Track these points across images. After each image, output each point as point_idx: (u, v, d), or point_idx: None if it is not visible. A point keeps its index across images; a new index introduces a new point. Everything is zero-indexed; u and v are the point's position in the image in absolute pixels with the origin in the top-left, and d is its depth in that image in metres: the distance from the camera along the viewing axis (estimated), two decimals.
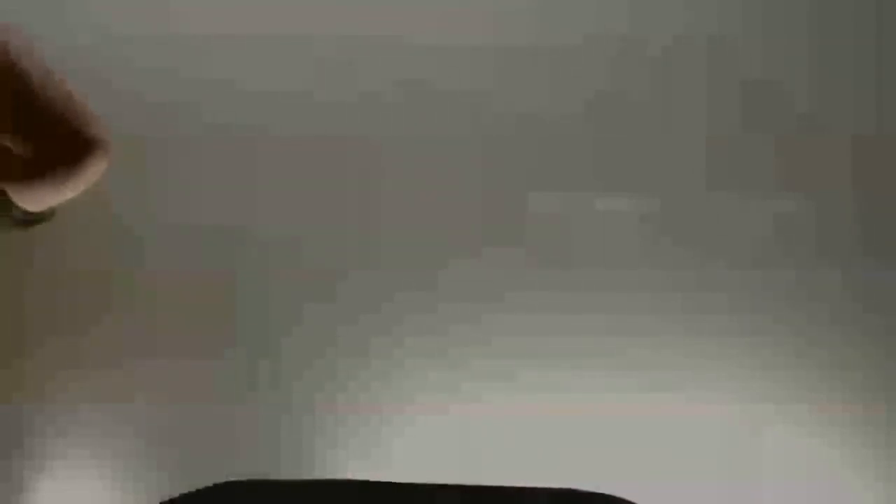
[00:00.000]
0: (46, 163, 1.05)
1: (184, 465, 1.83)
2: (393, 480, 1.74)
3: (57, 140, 1.04)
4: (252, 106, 1.78)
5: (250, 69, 1.77)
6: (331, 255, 1.79)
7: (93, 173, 1.10)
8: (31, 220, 1.30)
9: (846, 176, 1.65)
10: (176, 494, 1.78)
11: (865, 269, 1.65)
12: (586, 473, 1.69)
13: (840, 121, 1.64)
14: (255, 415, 1.83)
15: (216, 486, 1.77)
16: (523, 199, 1.74)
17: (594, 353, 1.71)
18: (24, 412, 1.88)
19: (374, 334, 1.78)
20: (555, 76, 1.71)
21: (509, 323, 1.74)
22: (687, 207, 1.70)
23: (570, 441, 1.71)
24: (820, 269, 1.66)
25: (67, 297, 1.82)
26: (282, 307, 1.80)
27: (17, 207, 1.21)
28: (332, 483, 1.77)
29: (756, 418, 1.68)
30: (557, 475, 1.70)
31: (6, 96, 1.01)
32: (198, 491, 1.77)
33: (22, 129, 1.02)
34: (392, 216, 1.77)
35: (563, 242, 1.74)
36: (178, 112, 1.79)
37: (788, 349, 1.68)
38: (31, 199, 1.18)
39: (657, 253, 1.71)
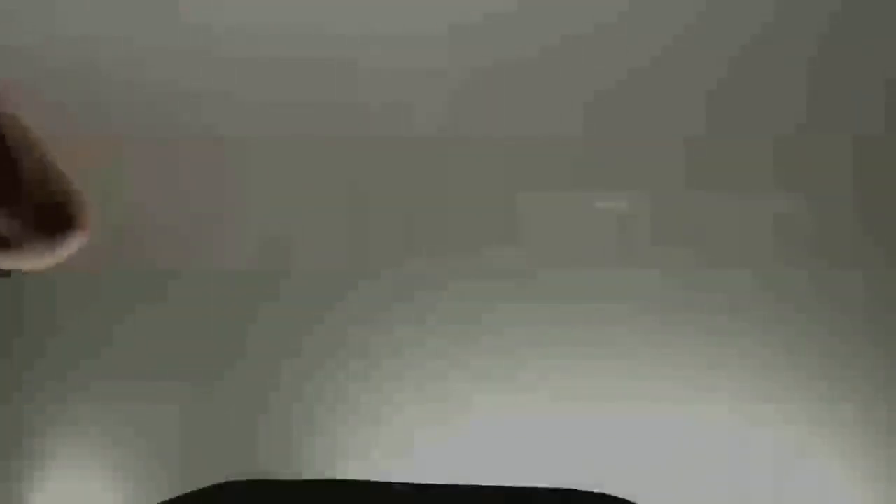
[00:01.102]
0: (20, 235, 1.04)
1: (184, 465, 1.83)
2: (392, 480, 1.75)
3: (33, 213, 1.03)
4: (251, 105, 1.78)
5: (249, 67, 1.76)
6: (330, 256, 1.79)
7: (66, 250, 1.09)
8: None
9: (846, 176, 1.65)
10: (176, 494, 1.78)
11: (865, 269, 1.65)
12: (586, 473, 1.69)
13: (840, 121, 1.64)
14: (254, 415, 1.83)
15: (216, 486, 1.77)
16: (512, 198, 1.74)
17: (593, 353, 1.71)
18: (24, 412, 1.88)
19: (374, 335, 1.78)
20: (546, 76, 1.71)
21: (508, 323, 1.74)
22: (686, 207, 1.70)
23: (569, 441, 1.71)
24: (820, 269, 1.66)
25: (68, 297, 1.82)
26: (284, 309, 1.80)
27: None
28: (332, 483, 1.77)
29: (756, 418, 1.68)
30: (557, 475, 1.70)
31: None
32: (198, 491, 1.77)
33: None
34: (391, 217, 1.77)
35: (563, 242, 1.74)
36: (181, 112, 1.79)
37: (788, 349, 1.67)
38: None
39: (657, 253, 1.71)
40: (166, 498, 1.78)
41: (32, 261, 1.07)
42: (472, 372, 1.75)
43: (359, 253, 1.78)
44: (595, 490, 1.68)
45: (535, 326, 1.73)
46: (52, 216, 1.03)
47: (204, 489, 1.77)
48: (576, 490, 1.68)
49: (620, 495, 1.66)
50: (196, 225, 1.81)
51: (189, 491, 1.77)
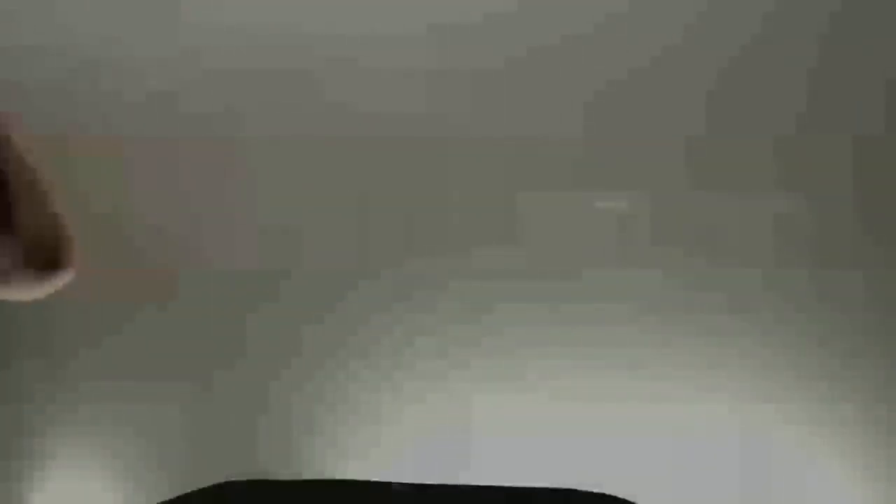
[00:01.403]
0: (8, 270, 1.05)
1: (184, 465, 1.83)
2: (392, 480, 1.75)
3: (22, 249, 1.04)
4: (251, 105, 1.78)
5: (249, 67, 1.76)
6: (330, 256, 1.79)
7: (52, 286, 1.10)
8: None
9: (846, 176, 1.65)
10: (176, 494, 1.78)
11: (865, 268, 1.65)
12: (586, 473, 1.69)
13: (840, 121, 1.64)
14: (254, 415, 1.83)
15: (216, 486, 1.77)
16: (512, 198, 1.74)
17: (593, 353, 1.71)
18: (24, 412, 1.88)
19: (374, 335, 1.78)
20: (546, 76, 1.71)
21: (508, 323, 1.74)
22: (687, 208, 1.70)
23: (570, 441, 1.71)
24: (820, 269, 1.66)
25: (68, 297, 1.82)
26: (285, 310, 1.80)
27: None
28: (331, 483, 1.77)
29: (756, 418, 1.68)
30: (557, 475, 1.70)
31: None
32: (198, 491, 1.77)
33: None
34: (391, 217, 1.77)
35: (563, 242, 1.74)
36: (181, 112, 1.79)
37: (788, 349, 1.67)
38: None
39: (657, 253, 1.70)
40: (166, 498, 1.77)
41: (18, 294, 1.09)
42: (472, 372, 1.75)
43: (359, 253, 1.78)
44: (595, 490, 1.67)
45: (535, 326, 1.72)
46: (41, 253, 1.04)
47: (204, 489, 1.77)
48: (576, 490, 1.68)
49: (620, 495, 1.66)
50: (196, 225, 1.81)
51: (189, 491, 1.77)
